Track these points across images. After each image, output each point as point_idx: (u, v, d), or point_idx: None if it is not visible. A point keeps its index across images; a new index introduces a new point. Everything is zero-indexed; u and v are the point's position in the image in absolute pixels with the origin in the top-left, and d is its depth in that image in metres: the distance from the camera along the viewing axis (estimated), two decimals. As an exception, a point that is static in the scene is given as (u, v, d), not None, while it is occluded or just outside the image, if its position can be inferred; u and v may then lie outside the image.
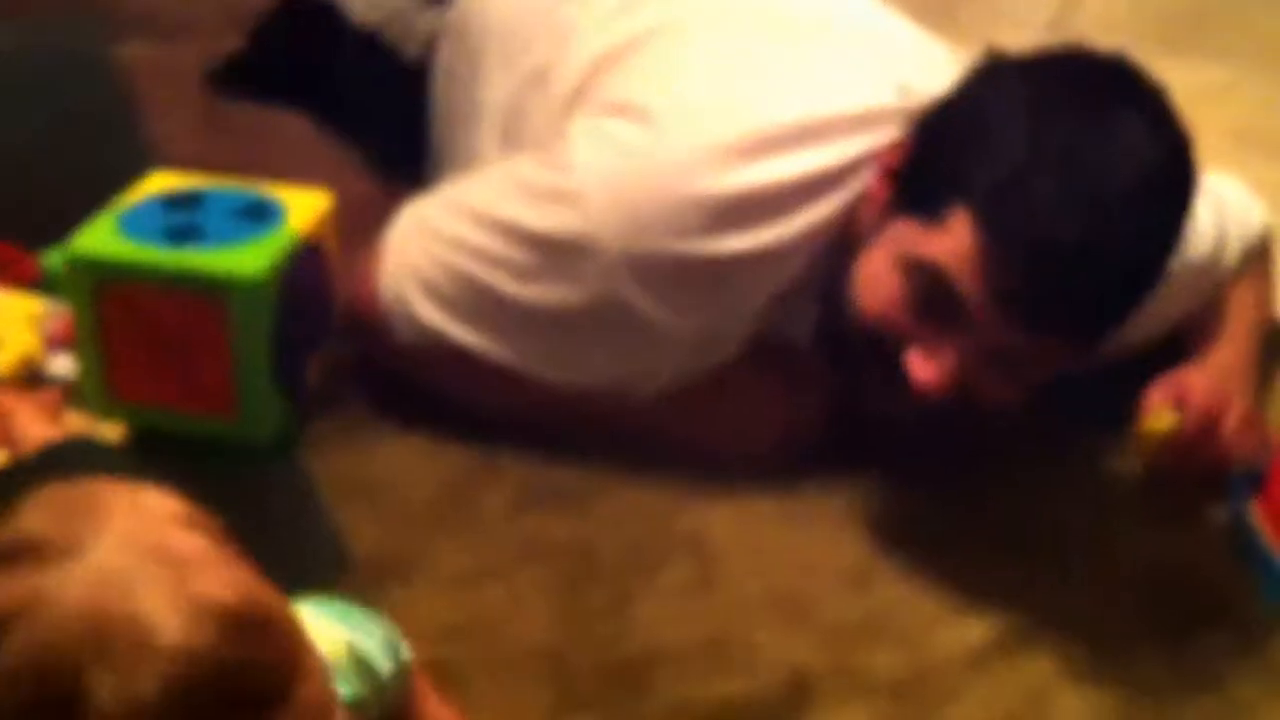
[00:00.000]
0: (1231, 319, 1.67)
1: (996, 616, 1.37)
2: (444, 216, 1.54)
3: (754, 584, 1.39)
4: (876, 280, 1.38)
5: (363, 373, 1.62)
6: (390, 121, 1.97)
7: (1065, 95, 1.32)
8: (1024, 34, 2.83)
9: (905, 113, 1.43)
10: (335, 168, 2.06)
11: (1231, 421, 1.54)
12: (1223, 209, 1.69)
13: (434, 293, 1.52)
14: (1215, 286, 1.68)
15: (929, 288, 1.34)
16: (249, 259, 1.46)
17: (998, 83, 1.36)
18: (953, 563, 1.43)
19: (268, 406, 1.52)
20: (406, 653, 1.04)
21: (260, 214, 1.54)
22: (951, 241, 1.32)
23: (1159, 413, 1.54)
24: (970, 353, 1.35)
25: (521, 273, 1.47)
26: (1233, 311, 1.68)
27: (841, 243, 1.44)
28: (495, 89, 1.74)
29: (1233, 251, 1.69)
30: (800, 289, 1.47)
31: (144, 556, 0.77)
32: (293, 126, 2.15)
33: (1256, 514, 1.51)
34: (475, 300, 1.50)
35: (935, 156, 1.37)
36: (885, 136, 1.44)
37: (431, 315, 1.52)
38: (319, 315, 1.58)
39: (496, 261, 1.49)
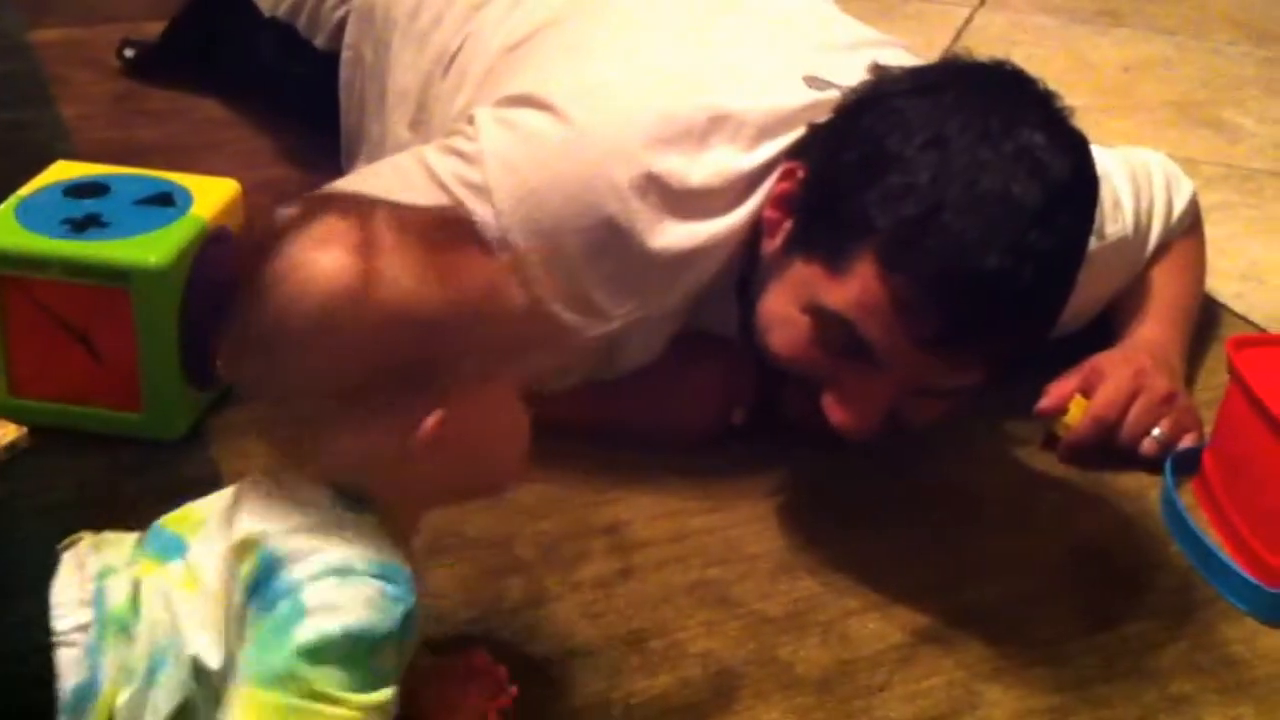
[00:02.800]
0: (1155, 296, 1.65)
1: (922, 608, 1.33)
2: None
3: (675, 576, 1.35)
4: (784, 323, 1.33)
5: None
6: (307, 108, 1.93)
7: (960, 117, 1.25)
8: (963, 11, 2.84)
9: (814, 110, 1.39)
10: (249, 152, 2.04)
11: (1144, 403, 1.52)
12: (1146, 184, 1.67)
13: None
14: (1138, 263, 1.65)
15: (840, 335, 1.28)
16: (151, 247, 1.42)
17: (888, 109, 1.29)
18: (877, 554, 1.40)
19: (177, 400, 1.48)
20: None
21: (166, 202, 1.50)
22: (858, 291, 1.25)
23: (1075, 403, 1.52)
24: (890, 391, 1.31)
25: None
26: (1157, 288, 1.66)
27: (751, 249, 1.39)
28: (403, 72, 1.71)
29: (1157, 227, 1.67)
30: (719, 289, 1.43)
31: None
32: (207, 111, 2.13)
33: (1193, 495, 1.49)
34: None
35: (832, 196, 1.30)
36: (793, 139, 1.39)
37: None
38: (222, 303, 1.54)
39: None
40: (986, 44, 2.66)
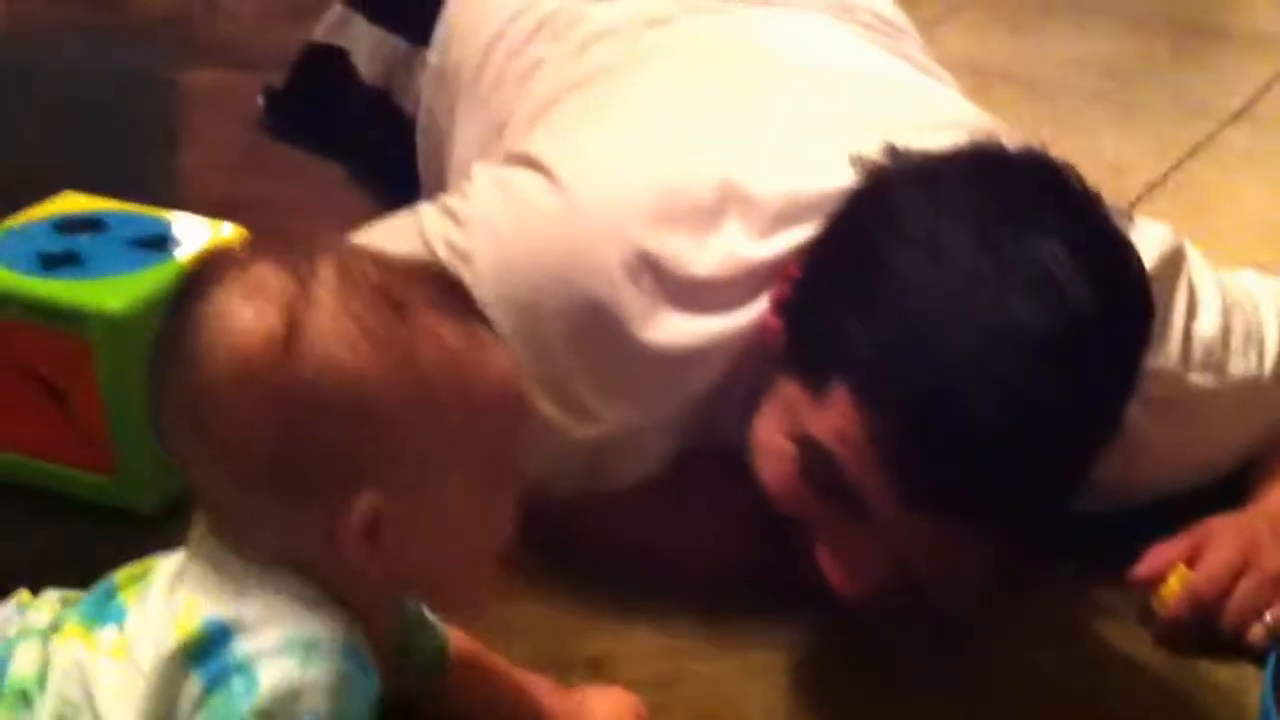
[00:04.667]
0: None
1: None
2: None
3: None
4: (771, 452, 1.13)
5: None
6: (401, 174, 1.78)
7: (960, 218, 1.03)
8: (1209, 125, 2.56)
9: None
10: (358, 218, 1.90)
11: (1254, 582, 1.27)
12: None
13: None
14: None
15: (826, 473, 1.07)
16: (116, 292, 1.29)
17: (885, 203, 1.08)
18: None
19: (151, 465, 1.34)
20: None
21: (160, 245, 1.36)
22: (836, 420, 1.05)
23: (1175, 574, 1.28)
24: (890, 550, 1.09)
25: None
26: None
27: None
28: (465, 142, 1.56)
29: None
30: (726, 397, 1.22)
31: None
32: (330, 172, 2.01)
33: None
34: None
35: (814, 305, 1.10)
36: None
37: None
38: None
39: None
40: (1220, 164, 2.40)
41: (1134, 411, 1.25)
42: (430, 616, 1.07)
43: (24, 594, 1.02)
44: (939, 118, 1.31)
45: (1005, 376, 0.99)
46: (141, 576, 0.97)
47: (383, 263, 0.91)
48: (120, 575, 0.98)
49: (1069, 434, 1.03)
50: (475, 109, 1.57)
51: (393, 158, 1.78)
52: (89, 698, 0.91)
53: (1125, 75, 2.74)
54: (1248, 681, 1.25)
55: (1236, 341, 1.34)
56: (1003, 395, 0.98)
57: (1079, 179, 1.09)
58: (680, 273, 1.19)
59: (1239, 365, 1.34)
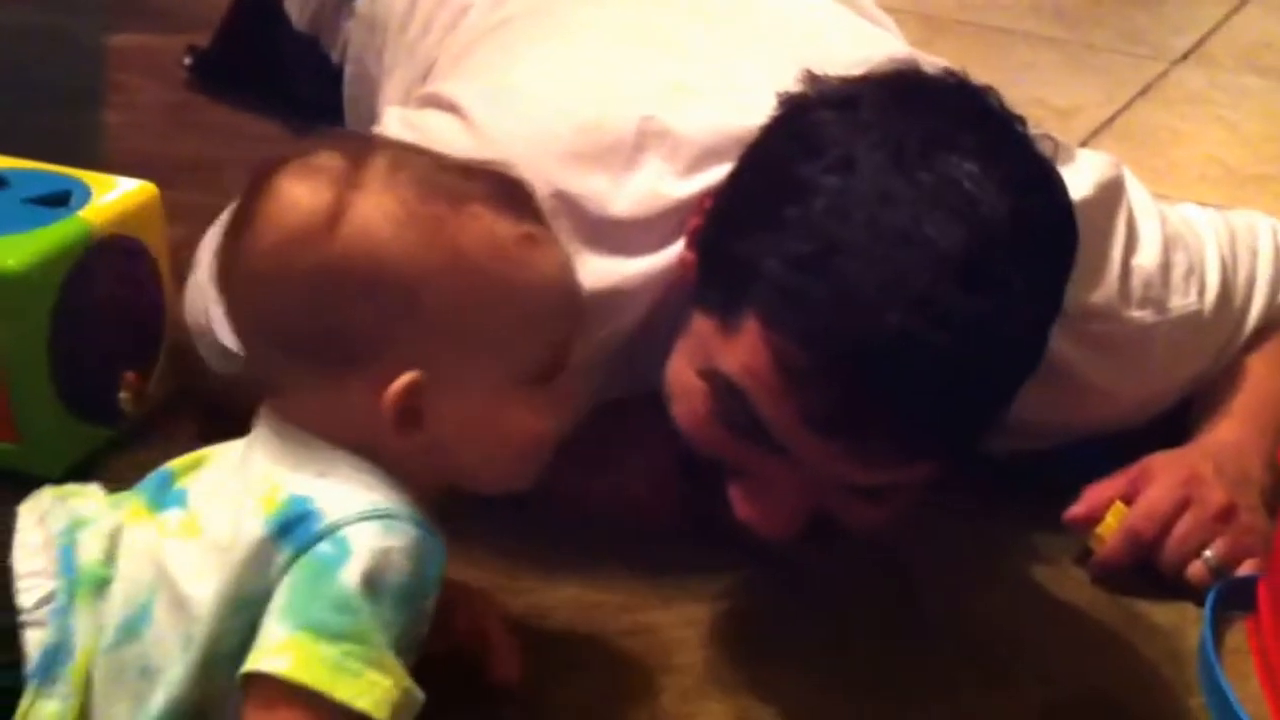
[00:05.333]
0: (1242, 390, 1.35)
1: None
2: None
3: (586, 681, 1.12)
4: (683, 389, 1.08)
5: (190, 400, 1.38)
6: (331, 125, 1.73)
7: (873, 136, 0.99)
8: (1159, 66, 2.53)
9: None
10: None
11: (1194, 518, 1.23)
12: (1248, 255, 1.38)
13: None
14: (1224, 347, 1.36)
15: (737, 410, 1.03)
16: (13, 249, 1.24)
17: (802, 125, 1.04)
18: (818, 685, 1.14)
19: (55, 430, 1.29)
20: None
21: (61, 202, 1.32)
22: (744, 353, 1.01)
23: (1113, 512, 1.25)
24: (803, 488, 1.05)
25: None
26: (1246, 381, 1.36)
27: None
28: (393, 86, 1.51)
29: (1258, 306, 1.37)
30: (649, 340, 1.17)
31: None
32: (263, 129, 1.96)
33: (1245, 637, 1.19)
34: None
35: (726, 232, 1.06)
36: None
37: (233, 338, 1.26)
38: (132, 326, 1.35)
39: None
40: (1172, 102, 2.38)
41: (1074, 349, 1.24)
42: None
43: (49, 490, 1.02)
44: (873, 57, 1.27)
45: (913, 292, 0.95)
46: (195, 466, 1.00)
47: (441, 159, 0.96)
48: (175, 465, 1.00)
49: (981, 354, 0.98)
50: (403, 56, 1.52)
51: (322, 107, 1.73)
52: (162, 577, 0.92)
53: (1074, 19, 2.72)
54: (1188, 620, 1.22)
55: (1177, 276, 1.31)
56: (910, 310, 0.95)
57: (1000, 103, 1.05)
58: (599, 213, 1.15)
59: (1179, 300, 1.31)
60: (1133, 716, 1.13)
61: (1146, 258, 1.30)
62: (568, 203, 1.14)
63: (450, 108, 1.21)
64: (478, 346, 0.93)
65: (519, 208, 0.95)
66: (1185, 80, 2.50)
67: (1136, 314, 1.28)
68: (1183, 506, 1.24)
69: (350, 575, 0.87)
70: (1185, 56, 2.60)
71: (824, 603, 1.22)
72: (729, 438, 1.06)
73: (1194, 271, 1.32)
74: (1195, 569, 1.23)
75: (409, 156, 0.95)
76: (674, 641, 1.17)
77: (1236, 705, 1.10)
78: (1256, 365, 1.37)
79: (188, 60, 2.07)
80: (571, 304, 0.97)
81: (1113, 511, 1.25)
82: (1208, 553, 1.23)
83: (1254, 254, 1.39)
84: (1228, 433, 1.32)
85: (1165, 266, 1.30)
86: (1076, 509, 1.26)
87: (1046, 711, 1.13)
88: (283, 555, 0.89)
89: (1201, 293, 1.32)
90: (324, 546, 0.88)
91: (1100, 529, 1.25)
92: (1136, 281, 1.29)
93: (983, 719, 1.12)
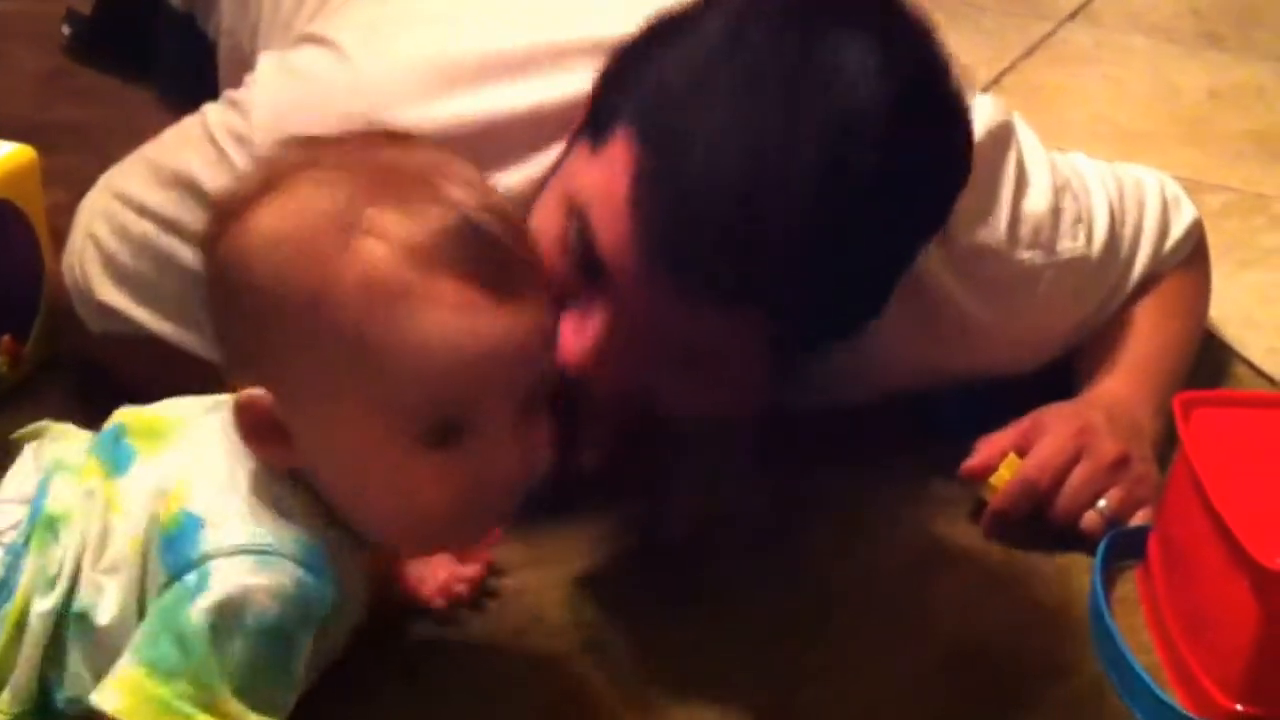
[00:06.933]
0: (1130, 341, 1.37)
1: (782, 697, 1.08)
2: (127, 171, 1.28)
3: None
4: (543, 224, 1.07)
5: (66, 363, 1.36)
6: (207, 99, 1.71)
7: (778, 15, 1.01)
8: (1046, 25, 2.55)
9: None
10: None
11: (1087, 468, 1.24)
12: (1135, 206, 1.39)
13: (114, 268, 1.24)
14: (1110, 294, 1.37)
15: (579, 236, 1.04)
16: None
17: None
18: (701, 640, 1.13)
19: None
20: None
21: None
22: (603, 166, 1.02)
23: (1005, 464, 1.25)
24: (622, 324, 1.04)
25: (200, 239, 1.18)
26: (1134, 332, 1.38)
27: None
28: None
29: (1144, 256, 1.38)
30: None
31: None
32: (142, 95, 1.93)
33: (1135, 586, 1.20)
34: (157, 275, 1.22)
35: (612, 74, 1.07)
36: None
37: (112, 297, 1.24)
38: (9, 290, 1.33)
39: (171, 224, 1.21)
40: (1060, 61, 2.40)
41: (958, 285, 1.26)
42: None
43: (49, 425, 1.02)
44: None
45: (766, 137, 0.96)
46: (151, 429, 0.97)
47: (388, 176, 0.90)
48: (126, 418, 0.98)
49: (823, 218, 0.98)
50: (277, 32, 1.50)
51: (197, 83, 1.70)
52: (103, 538, 0.92)
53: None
54: (1079, 569, 1.23)
55: (1066, 221, 1.32)
56: (757, 152, 0.96)
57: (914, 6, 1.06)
58: (476, 127, 1.15)
59: (1067, 244, 1.32)
60: (1025, 664, 1.14)
61: (1036, 202, 1.31)
62: (451, 126, 1.14)
63: (323, 42, 1.21)
64: (343, 387, 0.88)
65: (465, 261, 0.88)
66: (1072, 39, 2.52)
67: (1025, 255, 1.30)
68: (1076, 457, 1.25)
69: (198, 613, 0.86)
70: (1073, 16, 2.61)
71: (694, 564, 1.21)
72: (567, 264, 1.05)
73: (1082, 219, 1.34)
74: (1089, 519, 1.24)
75: (356, 171, 0.90)
76: (549, 601, 1.16)
77: (1126, 651, 1.11)
78: (1143, 317, 1.39)
79: (66, 30, 2.04)
80: (464, 368, 0.88)
81: (1006, 463, 1.25)
82: (1101, 503, 1.24)
83: (1140, 206, 1.40)
84: (1117, 385, 1.34)
85: (1055, 211, 1.31)
86: (971, 461, 1.27)
87: (941, 663, 1.13)
88: (161, 574, 0.89)
89: (1090, 239, 1.34)
90: (190, 576, 0.87)
91: (993, 479, 1.25)
92: (1026, 224, 1.30)
93: (878, 670, 1.12)
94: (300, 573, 0.88)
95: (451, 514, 0.91)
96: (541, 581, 1.18)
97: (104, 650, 0.91)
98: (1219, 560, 1.07)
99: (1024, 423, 1.28)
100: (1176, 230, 1.41)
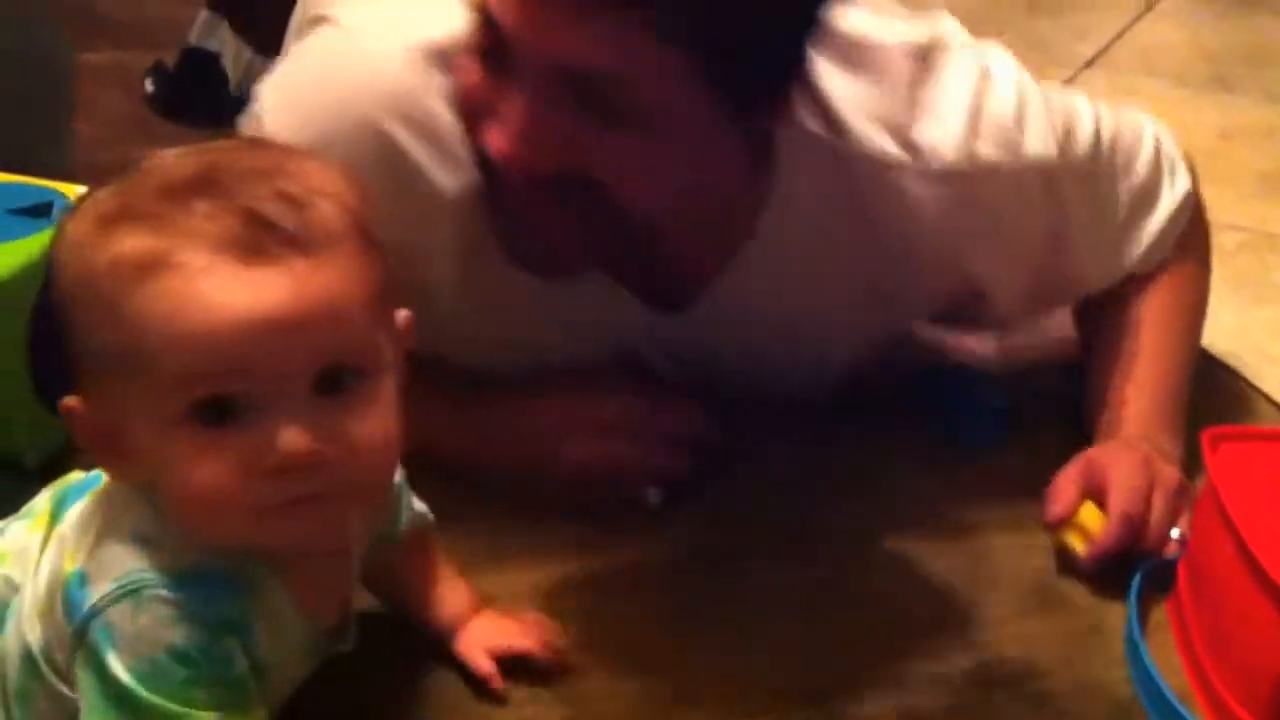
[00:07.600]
0: (1146, 350, 1.43)
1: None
2: None
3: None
4: (468, 63, 1.17)
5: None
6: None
7: None
8: (1065, 71, 2.62)
9: None
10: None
11: (1163, 495, 1.30)
12: (1128, 137, 1.45)
13: None
14: (1111, 250, 1.43)
15: (489, 36, 1.12)
16: (-5, 258, 1.29)
17: None
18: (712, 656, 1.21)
19: (32, 424, 1.34)
20: None
21: (43, 213, 1.38)
22: None
23: (1084, 509, 1.31)
24: (538, 97, 1.10)
25: None
26: (1147, 338, 1.43)
27: None
28: None
29: (1155, 225, 1.45)
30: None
31: None
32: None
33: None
34: None
35: None
36: None
37: None
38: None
39: None
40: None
41: (925, 189, 1.29)
42: (408, 490, 1.12)
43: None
44: None
45: None
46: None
47: (171, 175, 0.89)
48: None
49: None
50: None
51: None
52: (36, 583, 0.96)
53: (981, 26, 2.78)
54: (1107, 597, 1.29)
55: (1036, 128, 1.32)
56: None
57: None
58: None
59: (1035, 147, 1.32)
60: (1057, 687, 1.20)
61: (1000, 103, 1.31)
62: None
63: (327, 20, 1.28)
64: (122, 375, 0.88)
65: (220, 234, 0.86)
66: (1090, 84, 2.60)
67: (985, 149, 1.30)
68: (1152, 486, 1.30)
69: (119, 671, 0.88)
70: (1089, 64, 2.69)
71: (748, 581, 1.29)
72: (487, 81, 1.13)
73: (1057, 130, 1.34)
74: (1171, 549, 1.29)
75: (151, 172, 0.90)
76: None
77: (1156, 674, 1.18)
78: (1148, 335, 1.43)
79: (149, 85, 2.15)
80: (219, 336, 0.85)
81: (1084, 507, 1.30)
82: (1175, 532, 1.29)
83: (1137, 140, 1.45)
84: (1144, 412, 1.39)
85: (1020, 117, 1.31)
86: (1057, 508, 1.30)
87: (971, 682, 1.20)
88: (66, 631, 0.91)
89: (1064, 153, 1.34)
90: (95, 635, 0.89)
91: (1079, 520, 1.30)
92: (988, 121, 1.30)
93: (906, 687, 1.18)
94: (177, 593, 0.89)
95: (229, 496, 0.87)
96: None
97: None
98: (1245, 587, 1.14)
99: (1079, 464, 1.33)
100: (1180, 187, 1.46)
